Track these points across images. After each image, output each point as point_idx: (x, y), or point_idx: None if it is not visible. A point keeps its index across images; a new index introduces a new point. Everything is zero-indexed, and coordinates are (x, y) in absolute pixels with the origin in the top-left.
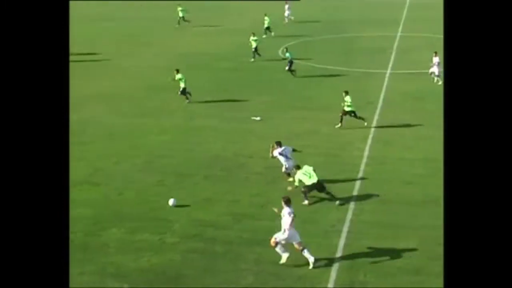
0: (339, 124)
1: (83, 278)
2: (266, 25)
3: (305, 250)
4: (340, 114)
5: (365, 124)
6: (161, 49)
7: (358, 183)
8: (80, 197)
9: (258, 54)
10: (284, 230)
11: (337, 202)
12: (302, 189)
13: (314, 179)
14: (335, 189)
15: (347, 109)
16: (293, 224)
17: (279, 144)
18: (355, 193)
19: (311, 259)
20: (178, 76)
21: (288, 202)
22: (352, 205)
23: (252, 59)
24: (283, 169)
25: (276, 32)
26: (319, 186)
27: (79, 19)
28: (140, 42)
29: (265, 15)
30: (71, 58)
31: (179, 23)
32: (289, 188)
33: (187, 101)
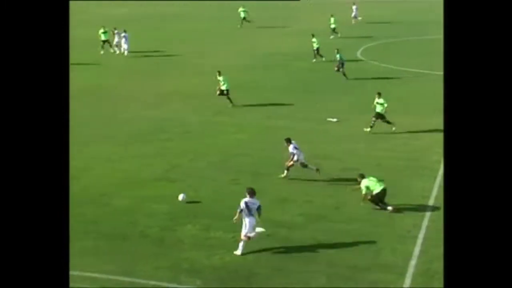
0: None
1: (158, 273)
2: (332, 26)
3: (242, 243)
4: (375, 119)
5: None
6: (238, 49)
7: (436, 188)
8: (156, 193)
9: (320, 55)
10: (247, 222)
11: (389, 208)
12: (369, 198)
13: (382, 185)
14: (412, 194)
15: (378, 110)
16: (248, 213)
17: (289, 141)
18: (432, 199)
19: (238, 252)
20: (220, 78)
21: (251, 193)
22: (429, 211)
23: (314, 60)
24: (296, 162)
25: (352, 33)
26: (384, 194)
27: (155, 19)
28: (217, 42)
29: (331, 16)
30: (146, 55)
31: (241, 24)
32: (362, 203)
33: (231, 105)
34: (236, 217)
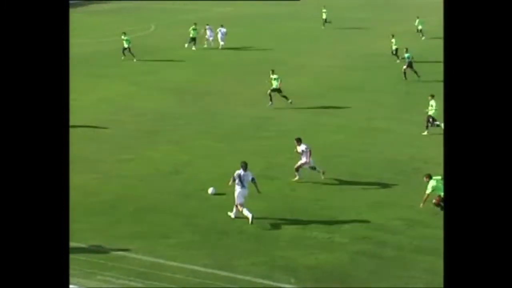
0: (425, 132)
1: (254, 269)
2: (419, 27)
3: (235, 211)
4: (426, 121)
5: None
6: (337, 49)
7: None
8: (255, 189)
9: (397, 56)
10: (237, 192)
11: None
12: (435, 202)
13: None
14: None
15: (430, 113)
16: (240, 184)
17: (300, 140)
18: None
19: (232, 215)
20: (273, 76)
21: (244, 167)
22: None
23: (398, 61)
24: (304, 165)
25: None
26: None
27: (259, 18)
28: (316, 42)
29: (417, 17)
30: (248, 52)
31: (324, 24)
32: (421, 205)
33: (270, 103)
34: (230, 183)
